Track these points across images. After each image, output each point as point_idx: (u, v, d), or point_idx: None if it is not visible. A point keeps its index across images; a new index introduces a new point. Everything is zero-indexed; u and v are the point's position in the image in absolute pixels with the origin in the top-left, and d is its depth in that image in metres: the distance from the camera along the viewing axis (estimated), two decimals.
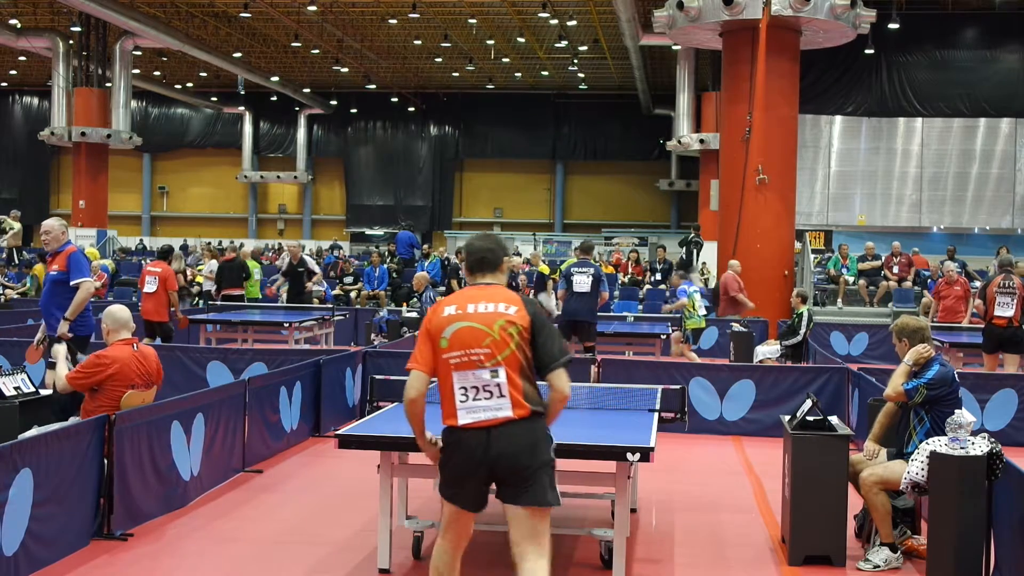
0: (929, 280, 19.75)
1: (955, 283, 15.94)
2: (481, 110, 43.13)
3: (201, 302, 19.15)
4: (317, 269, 16.22)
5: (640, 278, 22.95)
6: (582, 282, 11.55)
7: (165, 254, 13.96)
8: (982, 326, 12.14)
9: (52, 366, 7.70)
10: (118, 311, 6.72)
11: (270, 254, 33.56)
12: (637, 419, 6.11)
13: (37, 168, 45.11)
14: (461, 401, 4.13)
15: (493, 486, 4.22)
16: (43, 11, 31.83)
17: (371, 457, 5.68)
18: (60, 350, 7.08)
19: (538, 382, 4.26)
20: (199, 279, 20.72)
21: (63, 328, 7.77)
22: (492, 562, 5.87)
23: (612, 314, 16.99)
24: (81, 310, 7.92)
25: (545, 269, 20.14)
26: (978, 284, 19.87)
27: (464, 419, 4.12)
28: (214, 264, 19.57)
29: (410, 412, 4.29)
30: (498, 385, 4.10)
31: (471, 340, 4.14)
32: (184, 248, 33.11)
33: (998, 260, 12.72)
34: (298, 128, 44.48)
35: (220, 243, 35.90)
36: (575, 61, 35.87)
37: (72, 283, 7.89)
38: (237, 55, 35.37)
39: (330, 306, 15.83)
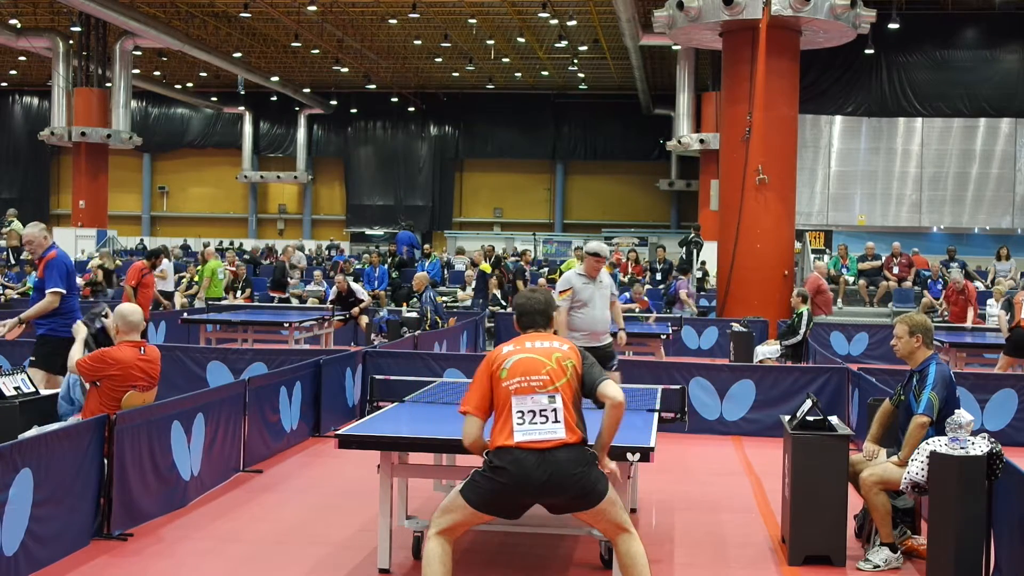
0: (929, 280, 19.77)
1: (963, 291, 16.04)
2: (481, 110, 43.14)
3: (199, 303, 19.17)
4: (366, 297, 16.24)
5: (640, 278, 22.95)
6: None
7: (152, 254, 13.93)
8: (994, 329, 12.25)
9: (33, 364, 7.72)
10: (129, 312, 6.66)
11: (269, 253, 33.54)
12: (637, 419, 6.11)
13: (37, 168, 45.14)
14: (518, 423, 4.43)
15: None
16: (43, 11, 31.83)
17: (371, 457, 5.68)
18: (80, 329, 7.09)
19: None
20: (198, 279, 20.73)
21: (13, 331, 7.85)
22: (492, 562, 5.88)
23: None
24: (39, 316, 7.92)
25: (487, 268, 20.31)
26: (979, 285, 19.96)
27: (520, 438, 4.38)
28: (167, 263, 19.70)
29: (474, 451, 4.67)
30: (555, 410, 4.42)
31: (530, 368, 4.50)
32: (184, 248, 33.14)
33: None
34: (298, 128, 44.49)
35: (221, 243, 35.92)
36: (575, 61, 35.88)
37: (47, 291, 7.91)
38: (237, 55, 35.37)
39: (330, 306, 15.83)
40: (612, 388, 4.52)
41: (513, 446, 4.38)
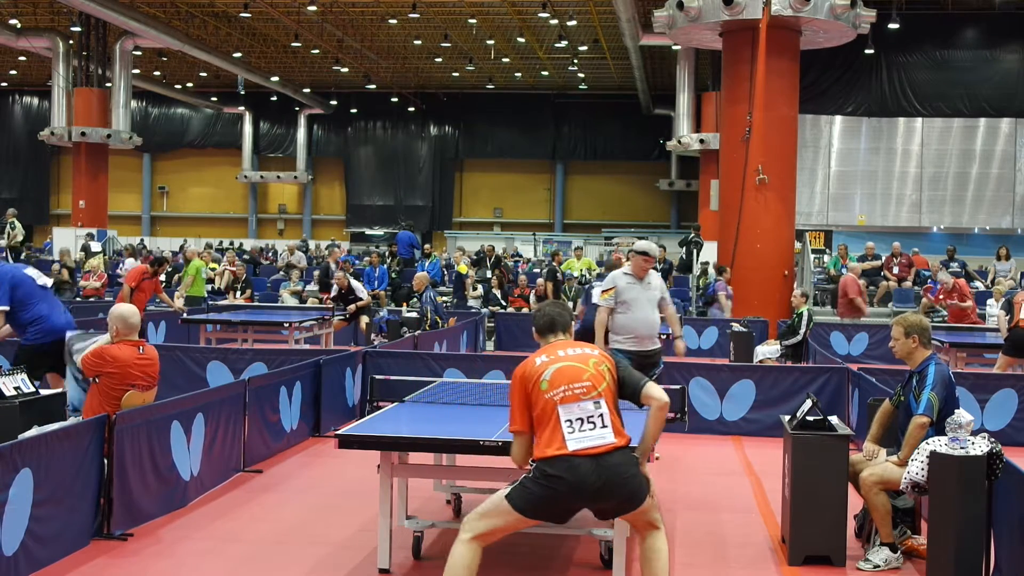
0: (929, 280, 19.77)
1: (953, 291, 16.03)
2: (481, 110, 43.14)
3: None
4: (365, 296, 16.16)
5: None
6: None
7: (157, 262, 13.94)
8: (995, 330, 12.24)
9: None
10: (127, 313, 6.70)
11: (270, 254, 33.58)
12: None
13: (37, 168, 45.14)
14: (568, 432, 4.42)
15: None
16: (43, 11, 31.82)
17: (371, 457, 5.68)
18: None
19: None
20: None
21: None
22: (492, 562, 5.88)
23: None
24: None
25: (464, 268, 20.38)
26: (978, 284, 19.96)
27: (574, 446, 4.40)
28: (131, 262, 19.78)
29: (523, 466, 4.67)
30: (601, 416, 4.46)
31: (572, 376, 4.51)
32: (182, 248, 33.14)
33: None
34: (298, 128, 44.49)
35: (221, 243, 35.93)
36: (575, 61, 35.88)
37: None
38: (237, 55, 35.37)
39: (330, 306, 15.82)
40: (657, 390, 4.60)
41: (569, 454, 4.37)
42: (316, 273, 20.46)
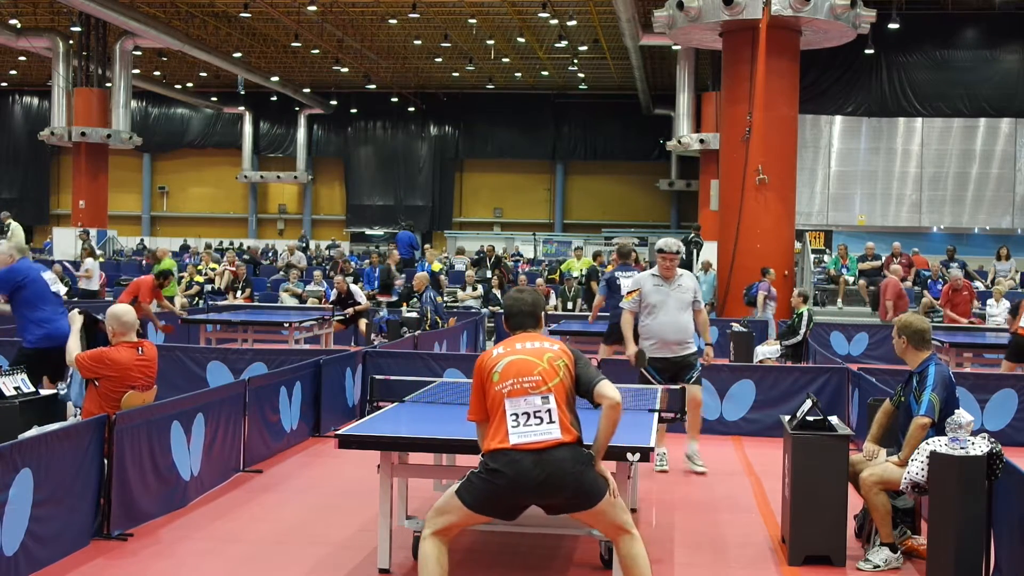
0: (929, 280, 19.75)
1: (961, 288, 15.99)
2: (481, 110, 43.15)
3: (201, 302, 19.17)
4: (363, 301, 16.16)
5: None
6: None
7: (162, 275, 13.92)
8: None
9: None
10: (123, 313, 6.67)
11: (271, 255, 33.58)
12: (637, 419, 6.10)
13: (37, 168, 45.16)
14: (513, 426, 4.39)
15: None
16: (43, 11, 31.84)
17: (371, 457, 5.68)
18: (76, 319, 7.09)
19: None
20: (198, 279, 20.75)
21: None
22: (493, 562, 5.88)
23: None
24: None
25: (438, 267, 20.42)
26: (979, 284, 19.95)
27: (515, 440, 4.35)
28: (91, 262, 19.73)
29: None
30: (548, 411, 4.39)
31: (522, 369, 4.46)
32: (184, 248, 33.16)
33: None
34: (298, 128, 44.51)
35: (221, 243, 35.93)
36: (575, 61, 35.89)
37: None
38: (237, 55, 35.38)
39: (330, 306, 15.82)
40: (609, 388, 4.46)
41: (509, 448, 4.35)
42: (379, 271, 20.30)
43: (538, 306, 4.79)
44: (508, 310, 4.78)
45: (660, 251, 8.00)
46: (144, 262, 25.32)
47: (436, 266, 20.23)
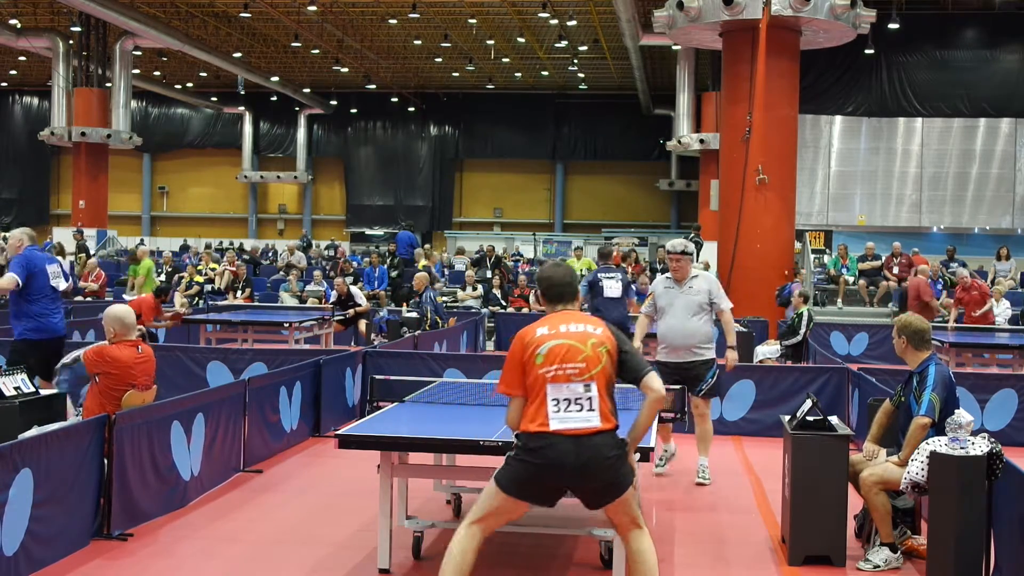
0: (929, 280, 19.72)
1: (971, 287, 15.96)
2: (481, 110, 43.11)
3: (201, 302, 19.17)
4: (363, 302, 16.15)
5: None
6: (613, 287, 10.95)
7: (161, 291, 13.95)
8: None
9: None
10: (123, 314, 6.73)
11: (271, 255, 33.55)
12: (628, 419, 6.09)
13: (37, 168, 45.12)
14: (554, 411, 4.39)
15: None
16: (43, 11, 31.82)
17: (371, 457, 5.68)
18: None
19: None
20: (198, 279, 20.75)
21: None
22: (493, 562, 5.87)
23: None
24: None
25: (422, 264, 20.52)
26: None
27: (556, 426, 4.37)
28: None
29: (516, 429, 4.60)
30: (589, 399, 4.41)
31: (567, 355, 4.44)
32: (184, 248, 33.14)
33: None
34: (298, 128, 44.47)
35: (221, 243, 35.92)
36: (575, 61, 35.88)
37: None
38: (237, 55, 35.37)
39: (330, 306, 15.82)
40: (657, 382, 4.52)
41: (549, 432, 4.36)
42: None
43: (575, 279, 4.78)
44: (546, 283, 4.73)
45: (671, 252, 7.85)
46: (124, 261, 25.27)
47: (421, 264, 20.41)
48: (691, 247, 7.95)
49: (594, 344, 4.48)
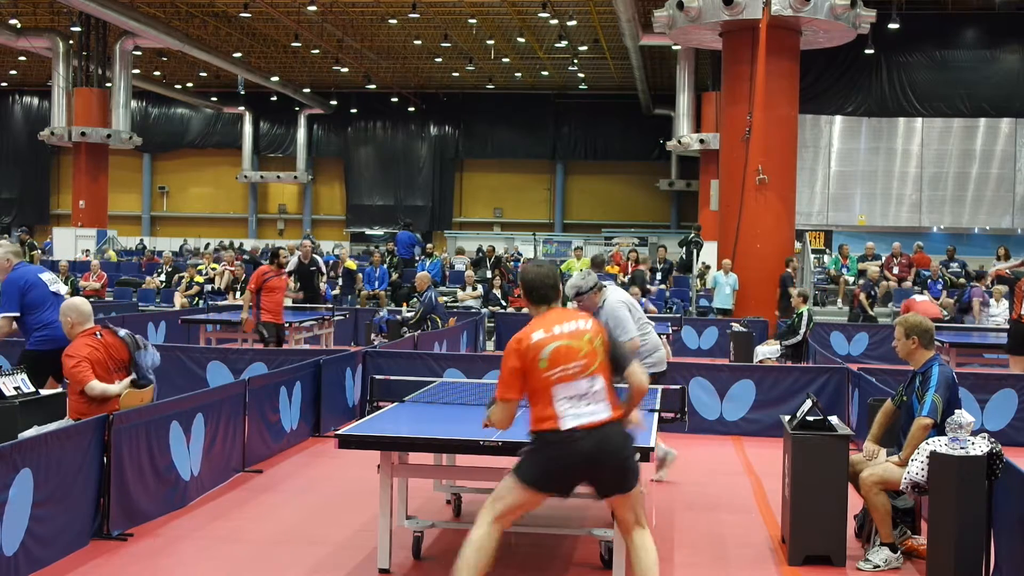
0: (929, 280, 19.74)
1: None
2: (481, 110, 43.13)
3: (201, 302, 19.17)
4: (324, 269, 16.19)
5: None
6: None
7: (274, 255, 13.75)
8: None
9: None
10: (81, 303, 6.91)
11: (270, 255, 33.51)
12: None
13: (37, 168, 45.13)
14: (564, 409, 4.51)
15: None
16: (43, 11, 31.82)
17: (371, 457, 5.68)
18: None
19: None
20: (198, 279, 20.75)
21: None
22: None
23: None
24: None
25: (352, 265, 20.52)
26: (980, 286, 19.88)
27: (570, 423, 4.48)
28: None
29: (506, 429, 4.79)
30: (595, 393, 4.55)
31: (569, 356, 4.56)
32: (184, 248, 33.15)
33: None
34: (298, 128, 44.48)
35: (221, 243, 35.93)
36: (575, 61, 35.88)
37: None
38: (237, 55, 35.37)
39: (330, 306, 15.82)
40: (640, 374, 4.71)
41: (564, 430, 4.46)
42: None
43: (558, 279, 4.87)
44: (531, 284, 4.78)
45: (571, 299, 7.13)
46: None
47: (350, 264, 20.50)
48: (587, 284, 7.15)
49: (589, 339, 4.61)
